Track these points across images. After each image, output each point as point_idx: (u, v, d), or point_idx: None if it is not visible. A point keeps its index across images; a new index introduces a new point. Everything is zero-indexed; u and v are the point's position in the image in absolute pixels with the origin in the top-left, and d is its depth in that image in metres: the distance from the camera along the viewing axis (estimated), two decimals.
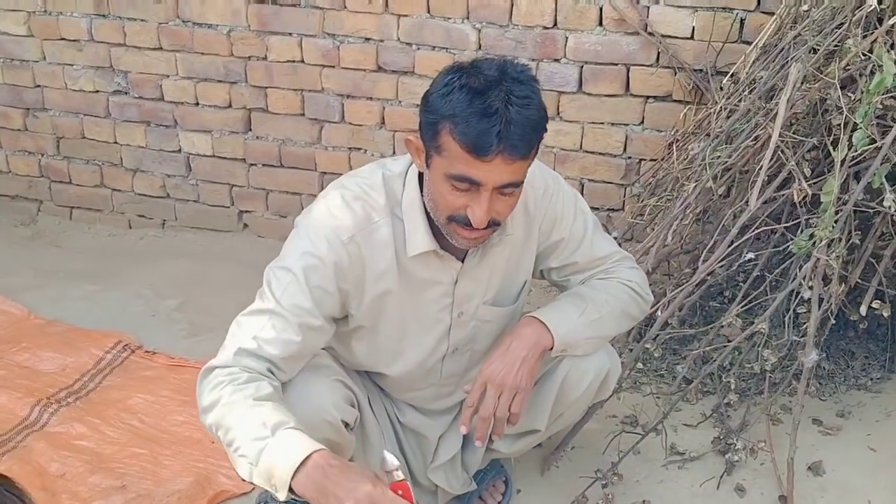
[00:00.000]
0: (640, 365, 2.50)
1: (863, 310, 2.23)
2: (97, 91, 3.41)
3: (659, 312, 2.24)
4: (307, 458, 1.38)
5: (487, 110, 1.44)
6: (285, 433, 1.42)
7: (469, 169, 1.48)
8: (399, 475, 1.41)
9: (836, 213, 2.01)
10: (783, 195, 2.18)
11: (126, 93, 3.39)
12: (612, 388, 1.93)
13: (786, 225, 2.21)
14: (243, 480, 1.52)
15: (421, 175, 1.65)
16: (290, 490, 1.39)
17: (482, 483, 2.07)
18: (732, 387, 2.28)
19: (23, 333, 2.71)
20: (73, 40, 3.35)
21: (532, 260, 1.83)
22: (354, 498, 1.32)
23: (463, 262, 1.71)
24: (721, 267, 2.37)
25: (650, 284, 1.94)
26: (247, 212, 3.46)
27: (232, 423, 1.47)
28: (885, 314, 2.19)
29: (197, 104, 3.31)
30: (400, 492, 1.37)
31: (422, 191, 1.64)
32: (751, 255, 2.12)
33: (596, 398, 1.93)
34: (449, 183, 1.52)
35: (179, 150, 3.42)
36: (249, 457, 1.43)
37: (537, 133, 1.51)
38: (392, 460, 1.43)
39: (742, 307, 2.19)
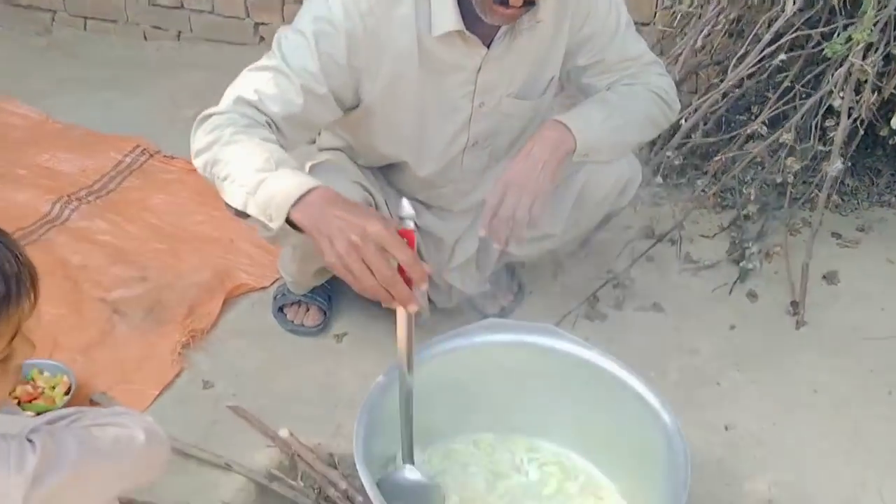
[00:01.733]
0: (658, 179, 2.47)
1: (894, 122, 2.17)
2: None
3: (683, 121, 2.19)
4: (311, 190, 1.35)
5: None
6: (289, 170, 1.40)
7: None
8: (410, 224, 1.31)
9: (876, 16, 1.92)
10: None
11: None
12: (630, 197, 1.90)
13: (821, 30, 2.12)
14: (235, 213, 1.45)
15: None
16: (287, 222, 1.35)
17: (495, 285, 2.09)
18: (752, 198, 2.25)
19: (42, 136, 2.71)
20: None
21: (561, 55, 1.76)
22: (361, 232, 1.27)
23: (489, 48, 1.65)
24: (750, 78, 2.30)
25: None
26: (263, 24, 3.37)
27: (232, 157, 1.43)
28: None
29: None
30: (405, 240, 1.29)
31: None
32: (783, 57, 2.03)
33: (614, 206, 1.91)
34: None
35: None
36: (247, 186, 1.39)
37: None
38: (408, 208, 1.33)
39: (770, 113, 2.13)
